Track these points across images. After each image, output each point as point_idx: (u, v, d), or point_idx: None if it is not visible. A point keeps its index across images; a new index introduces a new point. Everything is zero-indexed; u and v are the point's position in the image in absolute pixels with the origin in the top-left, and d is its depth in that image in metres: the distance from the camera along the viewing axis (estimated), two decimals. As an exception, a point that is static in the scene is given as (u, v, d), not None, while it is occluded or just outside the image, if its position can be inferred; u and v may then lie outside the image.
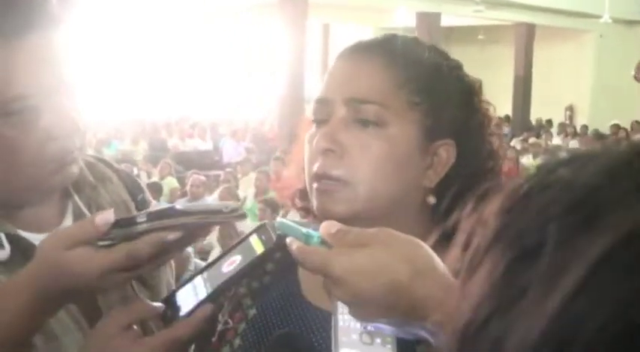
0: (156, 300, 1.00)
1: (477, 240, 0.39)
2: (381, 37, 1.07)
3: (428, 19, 16.38)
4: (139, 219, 0.90)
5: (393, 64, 1.01)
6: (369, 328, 0.83)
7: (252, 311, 1.08)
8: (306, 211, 1.09)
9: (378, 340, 0.83)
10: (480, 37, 20.89)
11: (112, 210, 0.92)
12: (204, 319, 0.91)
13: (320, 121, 1.02)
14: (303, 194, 1.08)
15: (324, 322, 1.01)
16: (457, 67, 1.07)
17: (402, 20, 17.50)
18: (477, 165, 1.04)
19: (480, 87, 1.08)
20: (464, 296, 0.38)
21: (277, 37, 14.16)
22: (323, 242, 0.81)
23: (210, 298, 0.91)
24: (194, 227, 0.91)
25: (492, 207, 0.40)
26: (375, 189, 0.98)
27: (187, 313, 0.91)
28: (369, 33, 18.64)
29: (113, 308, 1.06)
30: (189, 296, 0.92)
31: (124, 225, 0.90)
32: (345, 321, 0.84)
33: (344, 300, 0.80)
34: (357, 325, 0.83)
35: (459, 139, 1.02)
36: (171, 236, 0.89)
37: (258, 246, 0.89)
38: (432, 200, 1.01)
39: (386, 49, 1.03)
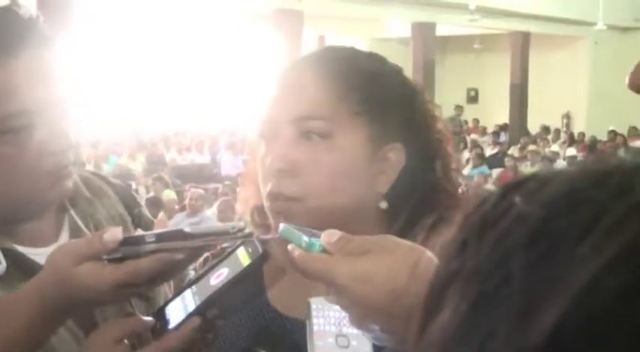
0: (151, 311, 1.01)
1: (431, 278, 0.38)
2: (318, 50, 1.10)
3: (423, 29, 16.41)
4: (148, 239, 0.92)
5: (331, 77, 1.03)
6: (344, 331, 0.83)
7: (220, 322, 1.08)
8: (265, 228, 1.10)
9: (354, 343, 0.83)
10: (476, 45, 20.94)
11: (120, 228, 0.94)
12: (192, 331, 0.92)
13: (269, 140, 1.04)
14: (261, 211, 1.09)
15: (291, 330, 1.04)
16: (397, 71, 1.09)
17: (397, 31, 17.55)
18: (426, 166, 1.06)
19: (422, 89, 1.11)
20: (426, 340, 0.36)
21: (273, 49, 14.18)
22: (324, 251, 0.80)
23: (198, 311, 0.92)
24: (200, 247, 0.94)
25: (444, 239, 0.38)
26: (328, 202, 1.00)
27: (176, 326, 0.92)
28: (364, 44, 18.68)
29: (108, 318, 1.09)
30: (178, 310, 0.94)
31: (131, 243, 0.92)
32: (320, 325, 0.83)
33: (346, 307, 0.80)
34: (332, 329, 0.83)
35: (406, 142, 1.04)
36: (179, 256, 0.92)
37: (244, 259, 0.91)
38: (383, 205, 1.03)
39: (324, 63, 1.05)
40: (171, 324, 0.93)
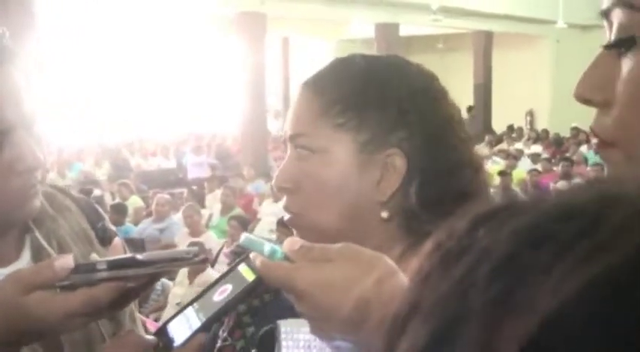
0: (117, 330, 0.99)
1: (396, 306, 0.37)
2: (324, 66, 1.08)
3: (386, 30, 16.51)
4: (99, 267, 0.91)
5: (315, 92, 1.03)
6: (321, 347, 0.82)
7: (251, 329, 1.10)
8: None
9: None
10: (440, 45, 21.13)
11: (72, 255, 0.92)
12: (200, 348, 0.92)
13: None
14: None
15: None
16: (398, 72, 1.04)
17: (360, 32, 17.62)
18: (436, 170, 1.00)
19: (431, 87, 1.04)
20: None
21: (237, 51, 14.16)
22: (286, 258, 0.81)
23: (204, 327, 0.92)
24: (154, 274, 0.94)
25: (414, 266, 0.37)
26: (326, 214, 1.01)
27: (182, 344, 0.92)
28: (328, 45, 18.73)
29: (74, 338, 1.07)
30: (182, 327, 0.93)
31: (83, 271, 0.91)
32: (289, 348, 0.84)
33: (307, 315, 0.79)
34: (299, 345, 0.82)
35: (407, 146, 0.99)
36: (131, 284, 0.91)
37: (248, 274, 0.90)
38: (384, 214, 1.00)
39: (313, 81, 1.05)
40: (177, 342, 0.92)
